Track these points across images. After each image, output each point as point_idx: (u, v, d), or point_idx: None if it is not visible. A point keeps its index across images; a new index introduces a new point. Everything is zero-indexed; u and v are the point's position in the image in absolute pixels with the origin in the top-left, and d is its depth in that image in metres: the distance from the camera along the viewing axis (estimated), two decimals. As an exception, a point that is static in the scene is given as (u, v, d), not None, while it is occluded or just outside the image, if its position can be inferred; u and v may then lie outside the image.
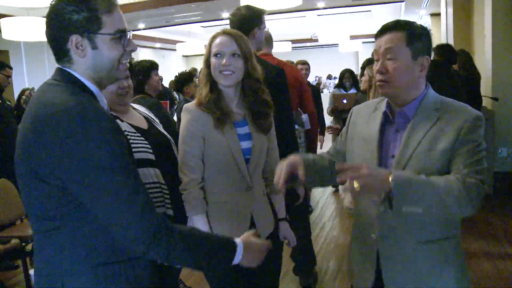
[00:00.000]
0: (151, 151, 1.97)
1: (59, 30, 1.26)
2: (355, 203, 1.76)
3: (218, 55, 1.91)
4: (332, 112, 5.70)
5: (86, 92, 1.28)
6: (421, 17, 12.23)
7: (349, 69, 6.31)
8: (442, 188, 1.36)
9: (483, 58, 5.76)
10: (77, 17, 1.24)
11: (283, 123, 2.49)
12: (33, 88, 6.00)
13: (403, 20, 1.55)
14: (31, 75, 11.49)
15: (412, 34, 1.51)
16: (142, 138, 1.97)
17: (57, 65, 1.35)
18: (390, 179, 1.33)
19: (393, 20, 1.57)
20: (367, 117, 1.70)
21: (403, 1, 10.19)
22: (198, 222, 1.90)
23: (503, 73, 5.43)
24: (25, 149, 1.23)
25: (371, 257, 1.63)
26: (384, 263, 1.59)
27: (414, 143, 1.50)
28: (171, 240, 1.23)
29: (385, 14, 13.05)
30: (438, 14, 9.67)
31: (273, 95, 2.41)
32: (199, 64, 1.97)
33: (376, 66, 1.55)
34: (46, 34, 1.31)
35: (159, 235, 1.21)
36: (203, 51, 2.03)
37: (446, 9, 7.62)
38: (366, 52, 18.01)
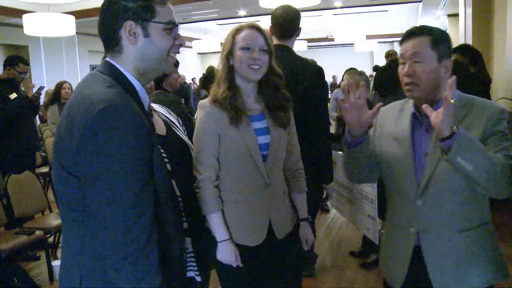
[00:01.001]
0: (167, 160, 1.94)
1: (114, 16, 1.29)
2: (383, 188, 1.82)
3: (247, 49, 1.85)
4: (338, 119, 5.18)
5: (125, 87, 1.29)
6: (438, 18, 12.11)
7: (353, 67, 6.12)
8: (493, 157, 1.45)
9: (503, 60, 5.68)
10: (133, 5, 1.28)
11: (318, 119, 2.57)
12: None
13: (426, 26, 1.65)
14: (49, 70, 11.64)
15: (436, 39, 1.60)
16: (159, 147, 1.91)
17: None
18: (456, 127, 1.41)
19: (416, 26, 1.66)
20: (394, 117, 1.77)
21: (420, 1, 10.11)
22: (213, 221, 1.86)
23: (524, 76, 5.35)
24: (58, 138, 1.25)
25: (407, 251, 1.70)
26: (427, 256, 1.66)
27: None
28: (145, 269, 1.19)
29: (401, 14, 12.96)
30: (456, 15, 9.56)
31: (312, 92, 2.52)
32: (214, 62, 1.95)
33: (403, 69, 1.62)
34: (99, 23, 1.33)
35: (134, 258, 1.17)
36: (219, 48, 1.99)
37: (465, 9, 7.52)
38: (381, 51, 17.91)
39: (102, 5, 1.33)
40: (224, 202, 1.88)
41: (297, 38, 2.75)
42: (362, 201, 3.30)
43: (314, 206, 2.73)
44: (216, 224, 1.86)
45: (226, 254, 1.85)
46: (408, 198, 1.67)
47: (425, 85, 1.59)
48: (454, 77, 1.45)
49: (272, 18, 2.66)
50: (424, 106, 1.46)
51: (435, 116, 1.41)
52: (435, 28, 1.66)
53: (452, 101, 1.38)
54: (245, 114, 1.87)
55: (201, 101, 1.93)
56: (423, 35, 1.60)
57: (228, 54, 1.88)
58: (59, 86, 5.83)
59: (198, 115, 1.90)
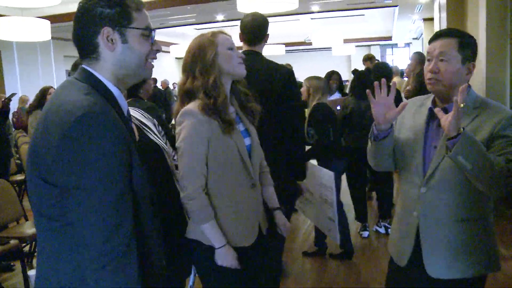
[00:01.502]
0: None
1: (91, 24, 1.27)
2: (399, 181, 1.96)
3: (232, 49, 1.91)
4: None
5: (104, 93, 1.27)
6: (414, 22, 12.33)
7: (335, 70, 6.05)
8: (494, 160, 1.55)
9: (477, 63, 5.80)
10: (109, 11, 1.26)
11: (293, 119, 2.69)
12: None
13: (455, 29, 1.78)
14: (24, 76, 11.43)
15: (463, 42, 1.71)
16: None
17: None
18: (462, 129, 1.53)
19: (445, 28, 1.82)
20: (413, 111, 1.90)
21: (396, 6, 10.27)
22: (209, 229, 1.84)
23: (497, 78, 5.46)
24: (33, 146, 1.22)
25: (411, 233, 1.83)
26: (423, 240, 1.79)
27: None
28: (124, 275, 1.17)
29: (378, 18, 13.14)
30: (431, 19, 9.75)
31: (287, 94, 2.62)
32: None
33: (428, 66, 1.75)
34: (74, 31, 1.31)
35: (113, 264, 1.15)
36: None
37: (440, 14, 7.66)
38: (359, 55, 18.08)
39: (77, 12, 1.30)
40: (215, 207, 1.87)
41: (277, 43, 2.95)
42: (322, 203, 3.42)
43: (290, 202, 2.84)
44: (213, 231, 1.85)
45: (226, 258, 1.86)
46: (414, 185, 1.81)
47: (446, 82, 1.71)
48: (466, 84, 1.56)
49: (241, 26, 2.76)
50: (436, 110, 1.61)
51: (445, 118, 1.54)
52: (464, 32, 1.78)
53: (461, 105, 1.49)
54: (234, 120, 1.90)
55: (187, 108, 1.86)
56: (452, 37, 1.72)
57: (215, 57, 1.85)
58: (45, 91, 5.55)
59: (187, 122, 1.84)
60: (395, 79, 7.11)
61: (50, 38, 6.52)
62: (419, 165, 1.80)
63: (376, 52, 18.60)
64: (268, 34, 2.78)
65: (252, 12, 2.84)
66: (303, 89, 4.07)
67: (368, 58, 6.85)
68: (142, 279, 1.22)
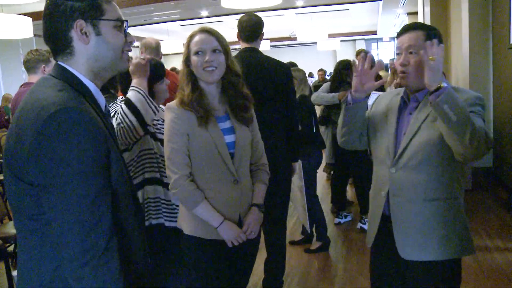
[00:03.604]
0: None
1: (62, 18, 1.25)
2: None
3: (200, 53, 1.94)
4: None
5: (79, 89, 1.25)
6: (398, 16, 12.38)
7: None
8: (473, 117, 1.59)
9: (460, 56, 5.86)
10: (80, 4, 1.25)
11: (293, 110, 2.94)
12: None
13: (421, 22, 1.84)
14: (6, 73, 11.28)
15: (429, 33, 1.76)
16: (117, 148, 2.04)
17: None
18: (443, 84, 1.59)
19: (412, 22, 1.87)
20: (389, 99, 1.96)
21: (381, 0, 10.30)
22: (203, 211, 1.91)
23: (480, 70, 5.55)
24: (8, 146, 1.20)
25: (378, 213, 1.90)
26: (394, 220, 1.83)
27: (419, 122, 1.76)
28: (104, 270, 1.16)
29: (363, 13, 13.19)
30: (415, 13, 9.80)
31: (287, 87, 2.90)
32: (177, 63, 2.06)
33: (398, 60, 1.80)
34: (45, 28, 1.28)
35: (93, 262, 1.14)
36: (182, 49, 2.08)
37: (423, 7, 7.72)
38: (344, 50, 18.16)
39: (45, 9, 1.27)
40: None
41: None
42: (298, 193, 3.63)
43: (287, 182, 3.09)
44: (207, 212, 1.92)
45: (230, 232, 1.93)
46: (385, 165, 1.86)
47: (416, 74, 1.75)
48: (433, 40, 1.59)
49: (238, 25, 2.97)
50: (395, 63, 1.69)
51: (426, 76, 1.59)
52: (428, 24, 1.84)
53: (431, 57, 1.54)
54: (212, 115, 1.95)
55: (168, 104, 1.99)
56: (418, 29, 1.77)
57: (186, 60, 1.98)
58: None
59: (167, 117, 1.95)
60: (381, 73, 7.16)
61: (32, 35, 6.42)
62: (390, 146, 1.84)
63: (361, 47, 18.69)
64: (263, 33, 2.97)
65: (248, 12, 3.06)
66: None
67: (358, 54, 6.97)
68: (125, 276, 1.21)
